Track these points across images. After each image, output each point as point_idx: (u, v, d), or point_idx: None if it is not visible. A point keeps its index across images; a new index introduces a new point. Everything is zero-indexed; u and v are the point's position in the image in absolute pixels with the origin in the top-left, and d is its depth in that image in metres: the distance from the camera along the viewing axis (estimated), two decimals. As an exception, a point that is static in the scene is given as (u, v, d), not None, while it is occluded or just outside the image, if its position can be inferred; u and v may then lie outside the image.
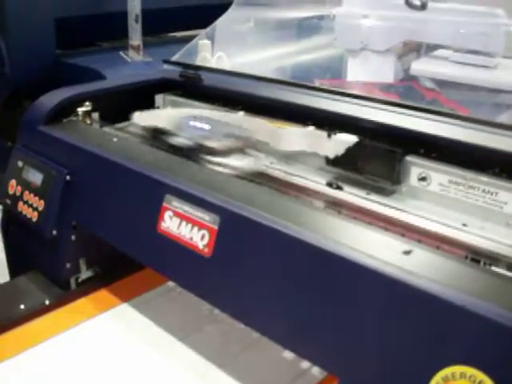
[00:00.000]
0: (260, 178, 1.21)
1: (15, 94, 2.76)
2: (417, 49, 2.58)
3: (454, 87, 2.20)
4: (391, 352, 0.79)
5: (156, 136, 1.35)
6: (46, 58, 2.75)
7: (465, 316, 0.73)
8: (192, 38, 1.84)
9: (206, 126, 1.31)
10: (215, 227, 0.99)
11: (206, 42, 1.80)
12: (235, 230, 0.97)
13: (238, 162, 1.21)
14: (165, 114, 1.41)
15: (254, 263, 0.95)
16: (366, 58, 2.53)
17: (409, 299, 0.77)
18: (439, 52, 2.40)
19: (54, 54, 2.78)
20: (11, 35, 2.65)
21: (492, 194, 1.08)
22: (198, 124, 1.31)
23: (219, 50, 1.80)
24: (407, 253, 0.84)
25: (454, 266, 0.81)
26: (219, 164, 1.19)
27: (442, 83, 2.22)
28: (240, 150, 1.26)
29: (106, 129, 1.44)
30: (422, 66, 2.37)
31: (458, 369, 0.72)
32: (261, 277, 0.94)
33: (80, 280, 1.34)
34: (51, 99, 1.45)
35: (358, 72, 2.49)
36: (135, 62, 2.77)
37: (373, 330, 0.81)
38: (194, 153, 1.22)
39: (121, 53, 2.88)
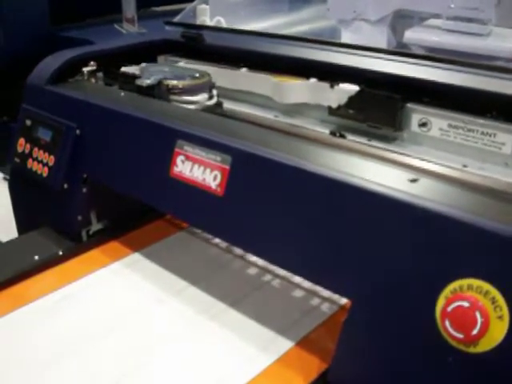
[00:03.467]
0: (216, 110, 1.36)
1: (10, 70, 2.77)
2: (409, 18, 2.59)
3: (447, 55, 2.22)
4: (402, 272, 0.83)
5: (125, 80, 1.41)
6: (40, 31, 2.75)
7: (470, 232, 0.77)
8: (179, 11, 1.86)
9: (165, 69, 1.42)
10: (227, 167, 1.03)
11: (205, 6, 1.81)
12: (246, 168, 1.01)
13: (198, 98, 1.33)
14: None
15: (266, 198, 0.99)
16: (358, 28, 2.55)
17: (417, 220, 0.82)
18: (432, 21, 2.42)
19: (48, 27, 2.79)
20: (5, 8, 2.66)
21: (490, 135, 1.12)
22: (159, 67, 1.44)
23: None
24: (414, 181, 0.88)
25: (456, 191, 0.86)
26: (186, 101, 1.32)
27: (436, 51, 2.25)
28: (200, 89, 1.35)
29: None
30: (414, 35, 2.39)
31: (465, 282, 0.77)
32: (273, 210, 0.98)
33: (91, 232, 1.37)
34: (56, 60, 1.48)
35: (351, 42, 2.51)
36: (130, 33, 2.79)
37: (384, 252, 0.85)
38: (160, 92, 1.33)
39: (115, 25, 2.90)
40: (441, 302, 0.77)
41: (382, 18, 2.50)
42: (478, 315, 0.74)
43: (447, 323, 0.76)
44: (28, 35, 2.71)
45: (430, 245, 0.81)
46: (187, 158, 1.09)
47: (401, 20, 2.52)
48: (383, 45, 2.49)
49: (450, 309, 0.76)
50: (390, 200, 0.84)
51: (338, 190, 0.90)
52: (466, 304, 0.75)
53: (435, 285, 0.79)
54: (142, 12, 3.29)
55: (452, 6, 2.27)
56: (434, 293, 0.78)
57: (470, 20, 2.26)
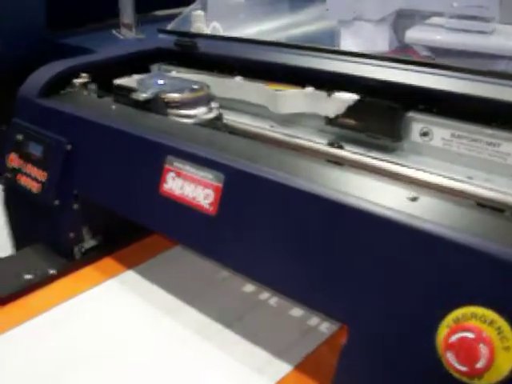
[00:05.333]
0: (215, 123, 1.29)
1: (5, 78, 2.74)
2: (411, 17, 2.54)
3: (450, 54, 2.18)
4: (401, 298, 0.79)
5: (121, 93, 1.35)
6: (36, 37, 2.72)
7: (473, 257, 0.73)
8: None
9: (162, 81, 1.35)
10: (220, 185, 0.98)
11: (200, 12, 1.76)
12: (240, 187, 0.97)
13: (196, 111, 1.27)
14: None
15: (261, 218, 0.95)
16: (359, 28, 2.51)
17: (418, 244, 0.77)
18: (434, 19, 2.38)
19: (45, 34, 2.75)
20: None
21: (495, 145, 1.08)
22: (155, 80, 1.37)
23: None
24: (414, 199, 0.84)
25: (460, 211, 0.81)
26: (184, 115, 1.26)
27: (438, 50, 2.21)
28: (198, 102, 1.29)
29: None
30: (417, 34, 2.35)
31: (468, 310, 0.72)
32: (268, 230, 0.94)
33: (84, 249, 1.33)
34: (47, 72, 1.44)
35: (352, 43, 2.47)
36: (128, 39, 2.76)
37: (382, 276, 0.81)
38: (157, 106, 1.26)
39: (113, 31, 2.86)
40: (442, 332, 0.73)
41: (384, 18, 2.46)
42: (482, 347, 0.69)
43: (449, 355, 0.71)
44: (24, 42, 2.68)
45: (431, 270, 0.76)
46: (178, 174, 1.05)
47: (403, 19, 2.47)
48: (385, 45, 2.45)
49: (452, 339, 0.71)
50: (388, 221, 0.80)
51: (334, 211, 0.86)
52: (469, 335, 0.70)
53: (436, 313, 0.74)
54: (142, 16, 3.25)
55: (455, 4, 2.22)
56: (435, 322, 0.74)
57: (473, 18, 2.21)
